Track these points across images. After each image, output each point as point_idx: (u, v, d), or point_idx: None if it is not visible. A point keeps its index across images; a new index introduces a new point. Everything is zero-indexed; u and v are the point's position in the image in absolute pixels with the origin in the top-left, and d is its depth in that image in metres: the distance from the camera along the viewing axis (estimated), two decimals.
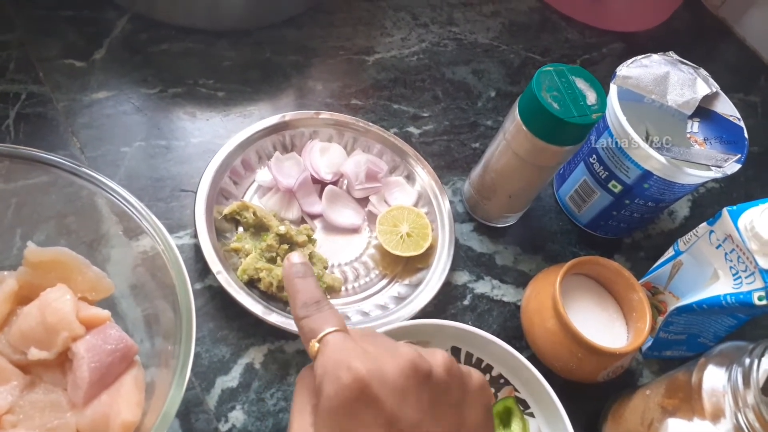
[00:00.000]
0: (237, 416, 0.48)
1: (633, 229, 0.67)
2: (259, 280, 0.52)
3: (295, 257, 0.38)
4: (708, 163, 0.55)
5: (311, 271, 0.38)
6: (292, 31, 0.72)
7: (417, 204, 0.62)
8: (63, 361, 0.42)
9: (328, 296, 0.55)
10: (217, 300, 0.52)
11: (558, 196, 0.68)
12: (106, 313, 0.43)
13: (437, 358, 0.33)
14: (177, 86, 0.63)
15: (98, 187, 0.45)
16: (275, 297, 0.53)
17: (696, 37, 0.94)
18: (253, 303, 0.50)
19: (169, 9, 0.65)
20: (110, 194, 0.45)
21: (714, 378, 0.44)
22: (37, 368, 0.41)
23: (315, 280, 0.37)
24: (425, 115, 0.70)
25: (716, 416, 0.42)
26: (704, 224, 0.53)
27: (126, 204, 0.45)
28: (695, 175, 0.55)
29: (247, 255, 0.53)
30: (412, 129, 0.68)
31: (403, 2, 0.80)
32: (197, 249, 0.52)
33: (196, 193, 0.54)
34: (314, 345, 0.33)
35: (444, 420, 0.32)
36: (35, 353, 0.40)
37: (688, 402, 0.45)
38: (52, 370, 0.42)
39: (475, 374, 0.35)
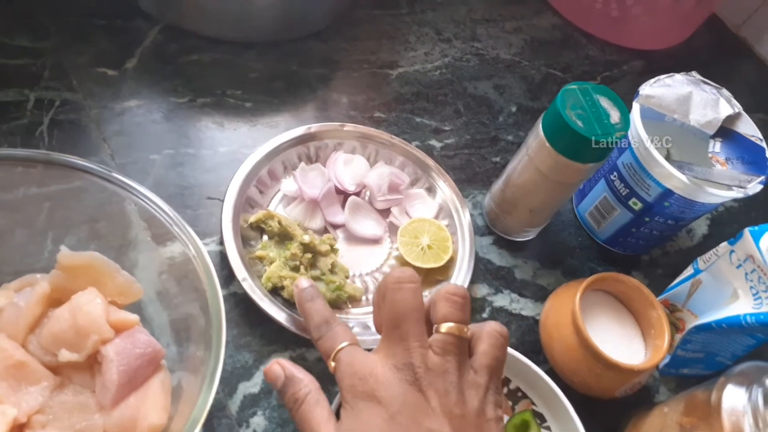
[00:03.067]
0: (258, 422, 0.48)
1: (651, 246, 0.67)
2: (282, 288, 0.53)
3: (303, 282, 0.44)
4: (730, 183, 0.56)
5: (318, 292, 0.43)
6: (317, 44, 0.73)
7: (438, 216, 0.63)
8: (92, 363, 0.43)
9: (350, 306, 0.56)
10: (241, 307, 0.53)
11: (577, 212, 0.69)
12: (135, 317, 0.44)
13: (438, 347, 0.38)
14: (206, 96, 0.64)
15: (130, 193, 0.47)
16: None
17: (716, 57, 0.94)
18: (276, 310, 0.51)
19: (199, 20, 0.67)
20: (142, 200, 0.46)
21: (734, 397, 0.44)
22: (67, 370, 0.42)
23: (323, 301, 0.43)
24: (447, 128, 0.71)
25: None
26: (725, 244, 0.54)
27: (158, 211, 0.46)
28: (716, 195, 0.56)
29: (271, 263, 0.54)
30: (433, 142, 0.69)
31: (427, 17, 0.81)
32: (222, 256, 0.53)
33: (223, 201, 0.55)
34: (331, 364, 0.39)
35: (445, 410, 0.36)
36: (65, 355, 0.41)
37: (707, 420, 0.45)
38: (81, 372, 0.42)
39: (480, 357, 0.39)
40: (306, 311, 0.42)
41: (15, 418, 0.38)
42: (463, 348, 0.38)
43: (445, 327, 0.38)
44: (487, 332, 0.39)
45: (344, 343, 0.39)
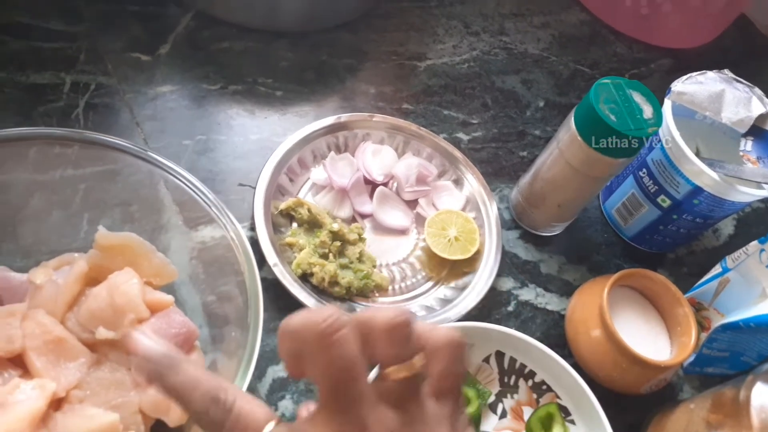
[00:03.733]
0: (286, 405, 0.49)
1: (678, 244, 0.67)
2: (311, 274, 0.53)
3: (143, 340, 0.28)
4: (761, 181, 0.55)
5: (180, 356, 0.28)
6: (347, 34, 0.73)
7: (465, 209, 0.63)
8: None
9: (377, 295, 0.56)
10: (271, 292, 0.53)
11: (604, 208, 0.68)
12: (171, 297, 0.45)
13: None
14: (237, 84, 0.65)
15: (166, 172, 0.47)
16: (327, 292, 0.54)
17: (745, 56, 0.93)
18: (306, 296, 0.51)
19: (230, 8, 0.67)
20: (179, 180, 0.47)
21: (763, 395, 0.44)
22: (104, 347, 0.43)
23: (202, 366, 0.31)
24: (474, 122, 0.71)
25: None
26: (755, 242, 0.54)
27: (196, 191, 0.46)
28: (747, 193, 0.56)
29: (300, 250, 0.55)
30: (461, 135, 0.69)
31: (456, 10, 0.81)
32: (254, 242, 0.54)
33: (255, 187, 0.55)
34: None
35: None
36: (103, 332, 0.42)
37: (735, 417, 0.45)
38: (117, 350, 0.43)
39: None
40: (175, 383, 0.27)
41: (54, 392, 0.39)
42: (418, 385, 0.29)
43: (395, 373, 0.28)
44: (443, 347, 0.29)
45: (270, 425, 0.26)
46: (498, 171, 0.68)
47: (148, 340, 0.27)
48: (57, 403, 0.40)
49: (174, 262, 0.48)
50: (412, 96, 0.71)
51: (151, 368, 0.27)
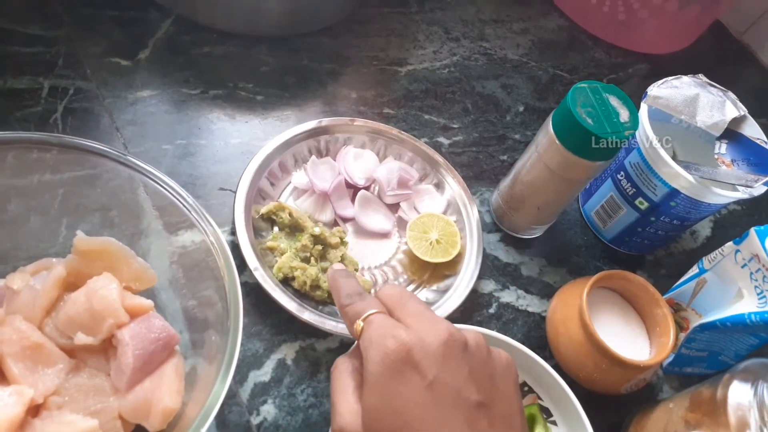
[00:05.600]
0: (268, 410, 0.49)
1: (656, 246, 0.68)
2: (293, 278, 0.53)
3: (339, 265, 0.43)
4: (736, 183, 0.56)
5: (354, 275, 0.42)
6: (328, 39, 0.73)
7: (446, 212, 0.63)
8: (107, 347, 0.43)
9: None
10: (252, 296, 0.53)
11: (583, 211, 0.69)
12: (150, 302, 0.45)
13: (470, 333, 0.36)
14: (217, 88, 0.64)
15: (146, 177, 0.47)
16: (308, 295, 0.54)
17: (720, 62, 0.95)
18: (287, 300, 0.51)
19: (210, 13, 0.67)
20: (159, 185, 0.47)
21: (739, 393, 0.45)
22: (83, 353, 0.43)
23: (357, 281, 0.40)
24: (455, 126, 0.72)
25: (741, 430, 0.43)
26: (730, 243, 0.54)
27: (176, 196, 0.46)
28: (722, 195, 0.56)
29: (282, 254, 0.55)
30: (442, 139, 0.70)
31: (436, 16, 0.82)
32: (234, 246, 0.54)
33: (235, 192, 0.55)
34: (359, 324, 0.35)
35: (481, 389, 0.34)
36: (81, 338, 0.42)
37: (712, 416, 0.46)
38: (96, 356, 0.43)
39: (503, 353, 0.37)
40: (337, 283, 0.40)
41: (32, 398, 0.39)
42: None
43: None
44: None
45: (376, 310, 0.36)
46: (479, 175, 0.68)
47: (340, 265, 0.45)
48: (35, 410, 0.40)
49: (154, 266, 0.48)
50: (393, 101, 0.71)
51: (338, 273, 0.41)
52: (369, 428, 0.33)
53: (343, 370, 0.36)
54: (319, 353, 0.52)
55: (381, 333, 0.34)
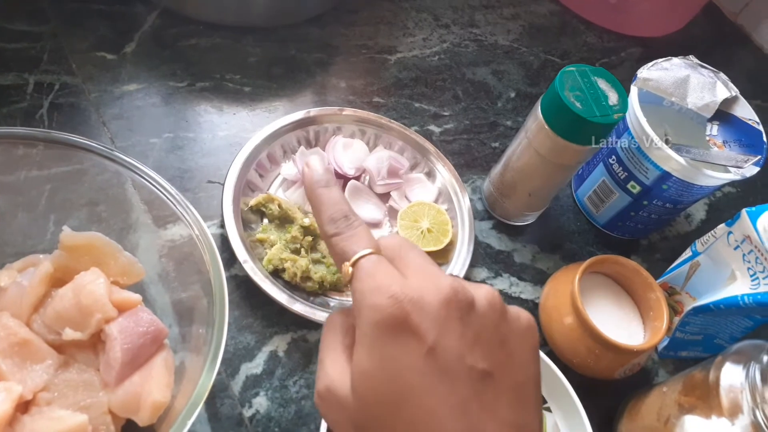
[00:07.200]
0: (260, 402, 0.49)
1: (650, 230, 0.67)
2: (283, 270, 0.53)
3: (315, 161, 0.34)
4: (727, 164, 0.56)
5: (334, 180, 0.34)
6: (315, 29, 0.73)
7: (437, 201, 0.63)
8: (96, 342, 0.43)
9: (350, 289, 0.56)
10: (243, 289, 0.53)
11: (576, 197, 0.69)
12: (138, 296, 0.44)
13: (481, 291, 0.31)
14: (205, 80, 0.64)
15: (133, 172, 0.47)
16: (299, 287, 0.54)
17: (714, 44, 0.95)
18: (278, 292, 0.51)
19: (197, 5, 0.67)
20: (145, 180, 0.46)
21: (732, 375, 0.45)
22: (71, 348, 0.42)
23: (340, 191, 0.34)
24: (446, 114, 0.71)
25: (734, 413, 0.43)
26: (723, 225, 0.54)
27: (162, 191, 0.46)
28: (714, 177, 0.56)
29: (272, 246, 0.54)
30: (432, 127, 0.69)
31: (425, 3, 0.81)
32: (224, 239, 0.53)
33: (223, 184, 0.55)
34: (348, 269, 0.31)
35: (489, 355, 0.29)
36: (69, 333, 0.41)
37: (705, 399, 0.46)
38: (85, 351, 0.43)
39: (523, 314, 0.32)
40: (318, 198, 0.33)
41: (21, 395, 0.38)
42: None
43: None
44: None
45: (368, 250, 0.31)
46: (470, 162, 0.68)
47: (318, 164, 0.34)
48: (24, 406, 0.40)
49: (143, 260, 0.48)
50: (382, 89, 0.71)
51: (312, 176, 0.34)
52: (358, 393, 0.29)
53: (336, 324, 0.32)
54: (310, 344, 0.52)
55: (374, 286, 0.29)
